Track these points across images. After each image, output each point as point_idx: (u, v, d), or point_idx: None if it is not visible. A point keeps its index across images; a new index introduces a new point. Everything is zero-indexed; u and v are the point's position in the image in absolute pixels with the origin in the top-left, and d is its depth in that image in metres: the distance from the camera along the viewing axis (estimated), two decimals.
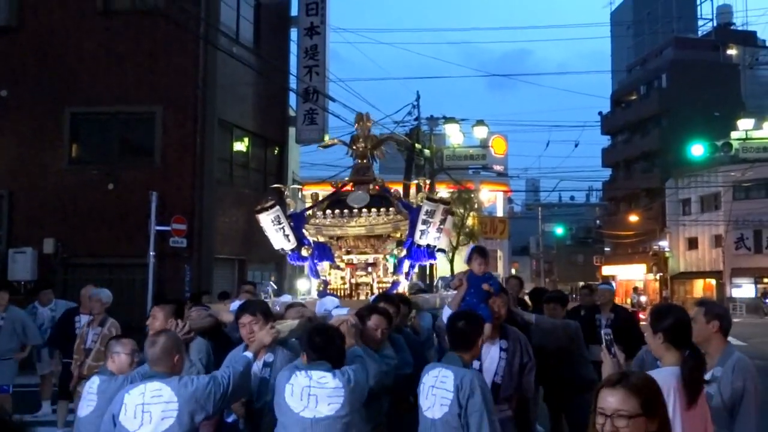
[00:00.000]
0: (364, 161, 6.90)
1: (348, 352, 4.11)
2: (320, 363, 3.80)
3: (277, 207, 6.61)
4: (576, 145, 32.55)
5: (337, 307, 5.42)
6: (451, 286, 5.65)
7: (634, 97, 53.09)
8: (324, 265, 6.72)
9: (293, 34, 18.88)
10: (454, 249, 31.60)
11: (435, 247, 6.49)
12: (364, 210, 6.54)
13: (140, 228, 14.61)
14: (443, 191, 30.96)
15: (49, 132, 15.58)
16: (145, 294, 13.94)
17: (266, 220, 6.59)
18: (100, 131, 15.76)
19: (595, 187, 62.72)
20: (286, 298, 6.44)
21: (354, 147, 6.97)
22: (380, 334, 4.51)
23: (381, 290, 6.35)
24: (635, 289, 42.29)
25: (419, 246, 6.45)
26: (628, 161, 52.07)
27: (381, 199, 6.68)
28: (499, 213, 42.70)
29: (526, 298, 8.76)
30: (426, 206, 6.38)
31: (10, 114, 15.64)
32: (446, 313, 5.17)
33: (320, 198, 7.20)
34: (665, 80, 48.74)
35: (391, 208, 6.54)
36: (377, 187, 6.84)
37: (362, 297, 6.38)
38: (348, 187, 7.03)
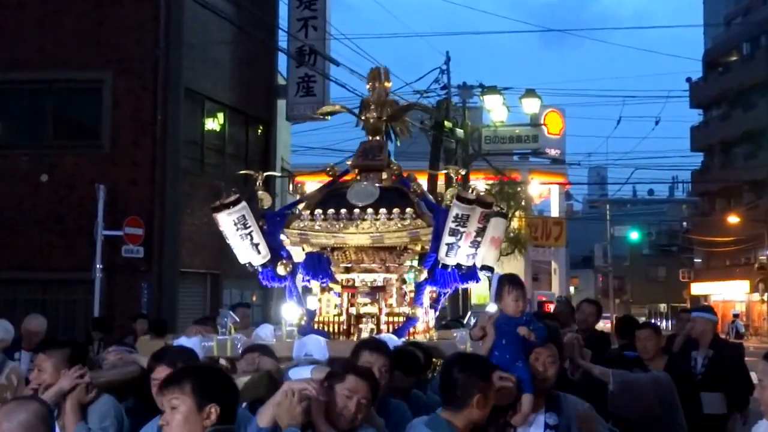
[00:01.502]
0: (377, 138, 6.37)
1: None
2: None
3: (243, 204, 6.02)
4: (657, 123, 32.30)
5: (304, 363, 4.86)
6: (471, 336, 5.07)
7: (734, 59, 52.90)
8: (316, 286, 6.22)
9: None
10: (495, 260, 31.64)
11: (468, 267, 5.96)
12: (370, 210, 5.94)
13: (83, 233, 14.76)
14: (480, 183, 31.10)
15: None
16: (89, 320, 14.04)
17: (227, 221, 6.02)
18: (30, 105, 15.98)
19: (682, 177, 62.50)
20: (265, 332, 6.11)
21: (363, 117, 6.45)
22: (354, 407, 3.92)
23: (391, 326, 5.88)
24: (735, 316, 42.08)
25: (446, 266, 5.89)
26: (726, 144, 51.88)
27: (396, 195, 6.08)
28: (554, 212, 42.75)
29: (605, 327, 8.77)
30: (456, 209, 5.77)
31: None
32: None
33: (309, 192, 6.87)
34: None
35: (408, 209, 5.91)
36: (393, 177, 6.27)
37: (365, 334, 5.85)
38: (351, 177, 6.51)
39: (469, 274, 6.00)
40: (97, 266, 14.28)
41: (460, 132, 21.90)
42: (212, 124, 17.71)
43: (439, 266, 5.87)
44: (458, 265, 5.88)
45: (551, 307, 32.67)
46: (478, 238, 5.90)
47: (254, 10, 17.20)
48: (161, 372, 4.07)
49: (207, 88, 17.04)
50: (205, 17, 15.95)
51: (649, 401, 5.81)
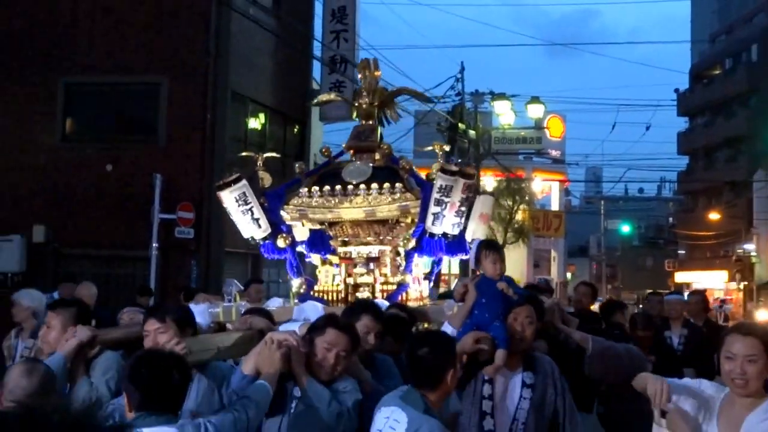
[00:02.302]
0: (369, 122, 6.22)
1: (239, 378, 3.58)
2: (151, 415, 3.02)
3: (244, 182, 5.86)
4: (647, 129, 32.20)
5: (298, 321, 4.75)
6: (454, 296, 4.95)
7: (717, 72, 52.41)
8: (316, 259, 6.14)
9: None
10: (501, 247, 31.67)
11: (455, 237, 5.72)
12: (363, 187, 5.81)
13: (142, 216, 14.95)
14: (489, 179, 31.15)
15: (41, 104, 16.02)
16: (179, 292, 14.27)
17: (229, 198, 5.85)
18: (97, 104, 16.17)
19: (669, 178, 62.16)
20: (275, 302, 5.99)
21: (356, 104, 6.29)
22: (333, 359, 3.74)
23: (386, 293, 5.74)
24: (723, 301, 41.73)
25: (432, 235, 5.65)
26: (709, 148, 51.46)
27: (387, 173, 5.93)
28: (554, 206, 42.62)
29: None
30: (440, 180, 5.51)
31: None
32: (447, 332, 4.49)
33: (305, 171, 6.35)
34: (755, 52, 48.08)
35: (398, 184, 5.76)
36: (384, 157, 6.12)
37: None
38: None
39: (456, 244, 5.78)
40: (154, 245, 14.52)
41: (472, 133, 22.00)
42: (254, 123, 17.86)
43: (427, 235, 5.68)
44: (444, 234, 5.66)
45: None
46: (462, 208, 5.65)
47: (293, 22, 17.38)
48: (151, 325, 4.03)
49: (250, 91, 17.18)
50: (250, 29, 16.12)
51: (623, 369, 5.44)
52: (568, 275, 47.73)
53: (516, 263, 35.12)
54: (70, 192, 15.69)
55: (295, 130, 19.32)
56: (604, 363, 5.43)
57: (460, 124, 21.19)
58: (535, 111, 24.09)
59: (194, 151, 15.59)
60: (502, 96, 23.11)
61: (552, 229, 39.66)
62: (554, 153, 37.11)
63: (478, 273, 4.77)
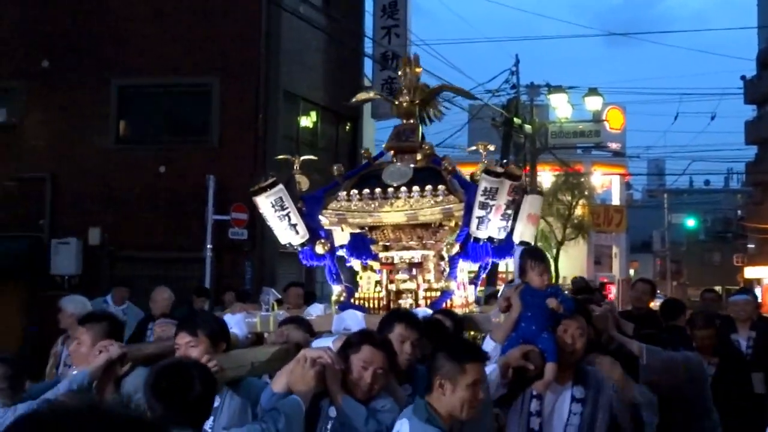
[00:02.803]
0: (410, 121, 6.07)
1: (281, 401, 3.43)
2: (173, 429, 2.88)
3: (280, 186, 5.69)
4: (712, 118, 31.43)
5: (335, 334, 4.56)
6: (499, 308, 4.77)
7: None
8: (357, 265, 5.93)
9: None
10: (560, 244, 31.36)
11: (501, 242, 5.53)
12: (404, 189, 5.65)
13: (195, 217, 15.20)
14: (546, 174, 30.84)
15: (95, 107, 16.38)
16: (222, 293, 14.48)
17: (265, 204, 5.69)
18: (150, 106, 16.53)
19: (736, 169, 60.63)
20: (316, 309, 5.88)
21: (396, 102, 6.14)
22: (370, 378, 3.62)
23: (429, 300, 5.56)
24: None
25: (477, 240, 5.47)
26: None
27: (429, 174, 5.78)
28: (615, 201, 42.04)
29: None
30: (484, 182, 5.32)
31: (53, 87, 16.52)
32: (487, 347, 4.34)
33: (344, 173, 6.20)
34: None
35: (440, 186, 5.60)
36: (426, 157, 5.97)
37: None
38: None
39: (503, 248, 5.60)
40: (208, 246, 14.70)
41: (528, 128, 21.80)
42: (306, 121, 17.99)
43: (471, 240, 5.49)
44: (490, 239, 5.49)
45: (612, 288, 32.21)
46: (509, 211, 5.48)
47: (343, 19, 17.46)
48: (183, 338, 3.93)
49: (302, 89, 17.32)
50: (300, 27, 16.24)
51: (680, 379, 5.39)
52: (631, 272, 47.01)
53: (576, 260, 34.75)
54: (125, 194, 16.02)
55: (347, 128, 19.39)
56: (659, 375, 5.24)
57: (515, 119, 20.97)
58: (594, 103, 23.74)
59: (247, 152, 15.76)
60: (558, 89, 22.81)
61: (613, 224, 39.15)
62: (614, 146, 36.55)
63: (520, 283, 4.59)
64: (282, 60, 16.26)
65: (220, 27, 15.96)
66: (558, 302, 4.23)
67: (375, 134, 22.28)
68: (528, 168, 22.19)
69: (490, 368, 3.97)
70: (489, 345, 4.35)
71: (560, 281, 30.29)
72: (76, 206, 16.19)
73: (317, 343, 4.23)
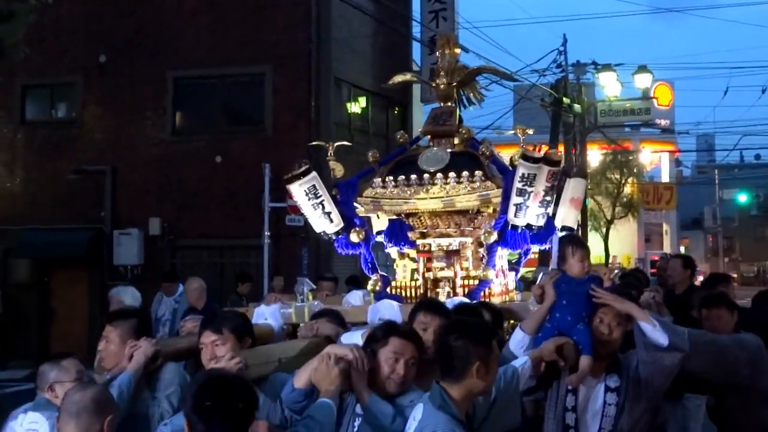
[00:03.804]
0: (448, 104, 5.88)
1: (314, 406, 3.32)
2: None
3: (314, 174, 5.58)
4: (763, 91, 30.83)
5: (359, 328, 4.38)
6: (533, 295, 4.59)
7: None
8: (394, 252, 5.78)
9: None
10: (609, 223, 31.23)
11: (540, 228, 5.35)
12: (440, 175, 5.50)
13: (252, 205, 15.52)
14: (595, 153, 30.68)
15: (151, 100, 16.87)
16: (261, 280, 14.85)
17: (299, 191, 5.59)
18: (204, 98, 16.87)
19: None
20: (355, 297, 5.78)
21: (434, 84, 5.98)
22: (403, 369, 3.50)
23: (467, 289, 5.40)
24: None
25: (515, 227, 5.29)
26: None
27: (466, 159, 5.60)
28: (665, 178, 41.60)
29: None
30: (522, 168, 5.16)
31: (109, 81, 17.02)
32: (515, 338, 4.20)
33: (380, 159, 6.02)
34: None
35: (477, 172, 5.41)
36: (463, 141, 5.78)
37: (442, 298, 5.28)
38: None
39: (543, 234, 5.37)
40: (266, 233, 14.92)
41: (577, 107, 21.75)
42: (357, 108, 18.21)
43: (509, 227, 5.31)
44: (529, 226, 5.30)
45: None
46: (548, 198, 5.28)
47: (391, 5, 17.59)
48: (208, 337, 3.85)
49: (352, 76, 17.52)
50: (349, 14, 16.43)
51: (730, 364, 5.00)
52: (682, 249, 46.61)
53: (626, 238, 34.55)
54: (182, 185, 16.46)
55: (397, 112, 19.56)
56: (705, 359, 4.91)
57: (564, 99, 20.94)
58: (643, 81, 23.56)
59: (300, 139, 15.95)
60: (607, 67, 22.68)
61: (663, 201, 38.75)
62: (663, 122, 36.13)
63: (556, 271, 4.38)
64: (332, 47, 16.51)
65: (270, 16, 16.25)
66: (615, 297, 4.03)
67: (424, 119, 22.46)
68: (575, 149, 22.19)
69: (522, 360, 3.91)
70: (517, 336, 4.19)
71: (610, 260, 30.26)
72: (135, 197, 16.67)
73: (346, 337, 4.07)
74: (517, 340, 4.14)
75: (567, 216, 5.70)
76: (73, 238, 16.47)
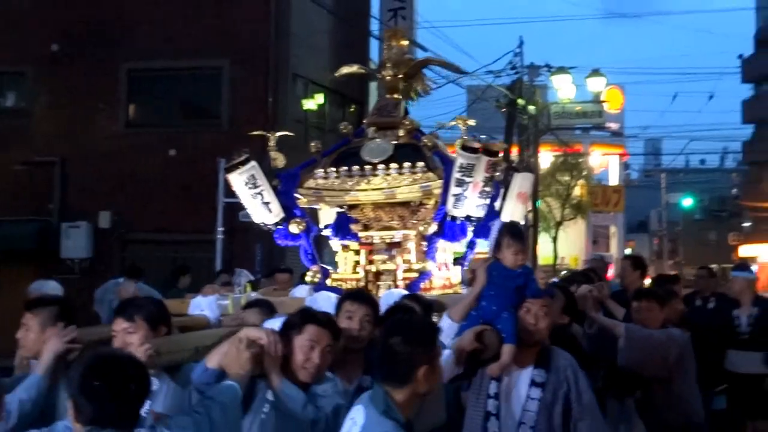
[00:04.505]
0: (394, 96, 5.86)
1: (215, 388, 3.20)
2: (103, 429, 2.63)
3: (253, 163, 5.57)
4: (710, 98, 31.51)
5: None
6: (464, 277, 4.71)
7: None
8: (336, 245, 5.76)
9: None
10: (558, 224, 31.69)
11: (480, 219, 5.29)
12: (382, 166, 5.50)
13: (206, 200, 15.33)
14: (546, 155, 31.08)
15: (104, 91, 16.55)
16: (213, 275, 14.74)
17: (238, 181, 5.58)
18: (160, 90, 16.75)
19: (733, 148, 61.11)
20: (301, 290, 5.69)
21: (380, 76, 5.98)
22: (319, 358, 3.42)
23: (407, 281, 5.39)
24: None
25: (454, 218, 5.26)
26: None
27: (409, 151, 5.61)
28: (613, 181, 42.33)
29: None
30: (461, 159, 5.13)
31: (62, 71, 16.68)
32: (443, 324, 4.11)
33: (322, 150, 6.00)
34: None
35: (419, 163, 5.42)
36: (408, 133, 5.77)
37: (383, 291, 5.33)
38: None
39: (485, 227, 5.22)
40: (219, 229, 14.88)
41: (532, 109, 22.04)
42: (314, 104, 18.16)
43: (449, 219, 5.29)
44: (468, 217, 5.26)
45: (611, 268, 32.55)
46: (486, 188, 5.25)
47: (350, 1, 17.63)
48: (120, 324, 3.76)
49: (310, 72, 17.46)
50: (309, 10, 16.42)
51: (659, 359, 5.23)
52: (628, 251, 47.46)
53: (574, 240, 35.11)
54: (135, 178, 16.20)
55: (352, 109, 19.57)
56: (641, 354, 5.15)
57: (519, 100, 21.21)
58: (596, 84, 23.99)
59: (256, 135, 15.92)
60: (561, 70, 23.04)
61: (611, 204, 39.38)
62: (613, 126, 36.81)
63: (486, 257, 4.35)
64: (291, 43, 16.48)
65: (229, 9, 16.11)
66: (523, 282, 4.03)
67: None
68: (529, 149, 22.47)
69: (444, 354, 3.74)
70: (445, 323, 4.13)
71: (558, 261, 30.71)
72: (85, 190, 16.39)
73: (268, 324, 3.91)
74: (445, 327, 4.06)
75: (514, 211, 5.73)
76: (20, 230, 16.15)
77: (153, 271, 14.39)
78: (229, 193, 14.90)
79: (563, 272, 7.34)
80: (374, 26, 19.16)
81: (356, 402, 3.13)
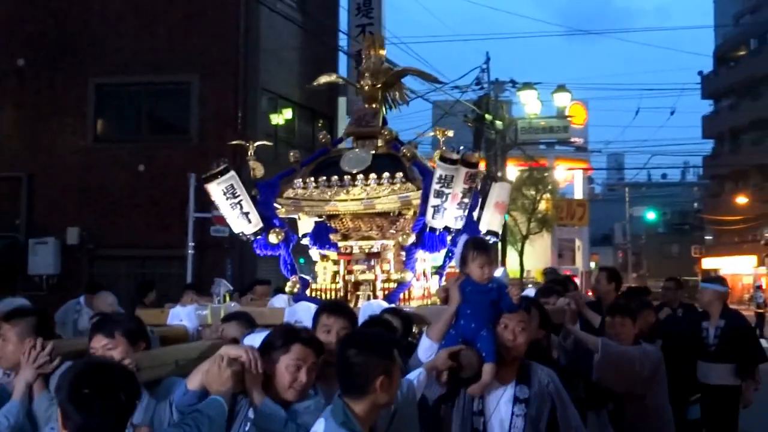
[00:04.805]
0: (373, 105, 5.86)
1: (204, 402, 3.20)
2: None
3: (232, 173, 5.52)
4: (672, 113, 32.12)
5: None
6: (438, 297, 4.59)
7: (742, 53, 52.46)
8: (315, 255, 5.79)
9: None
10: (524, 238, 31.99)
11: (458, 230, 5.35)
12: (361, 176, 5.53)
13: (176, 215, 15.34)
14: (512, 169, 31.43)
15: (72, 106, 16.46)
16: (182, 291, 14.69)
17: (217, 191, 5.53)
18: (128, 105, 16.70)
19: (694, 163, 62.27)
20: (279, 300, 5.66)
21: (359, 85, 5.93)
22: (306, 377, 3.41)
23: (386, 291, 5.43)
24: (757, 287, 41.84)
25: (434, 230, 5.29)
26: (735, 131, 51.55)
27: (388, 161, 5.62)
28: (578, 195, 42.85)
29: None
30: (440, 170, 5.17)
31: (28, 86, 16.57)
32: (423, 346, 4.11)
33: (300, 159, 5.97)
34: None
35: (398, 174, 5.44)
36: (387, 143, 5.77)
37: (362, 301, 5.36)
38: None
39: (454, 240, 5.33)
40: (190, 244, 14.83)
41: (499, 124, 22.30)
42: (283, 119, 18.22)
43: (428, 229, 5.31)
44: (447, 228, 5.30)
45: (576, 280, 33.05)
46: (465, 200, 5.29)
47: (319, 16, 17.74)
48: (99, 341, 3.74)
49: (279, 87, 17.51)
50: (278, 24, 16.48)
51: (631, 375, 5.31)
52: (592, 264, 47.98)
53: (540, 254, 35.41)
54: (104, 193, 16.12)
55: (320, 124, 19.66)
56: (615, 370, 5.23)
57: (487, 115, 21.46)
58: (562, 100, 24.38)
59: (226, 150, 15.87)
60: (528, 85, 23.37)
61: (576, 218, 39.91)
62: (577, 141, 37.35)
63: (460, 274, 4.31)
64: (260, 58, 16.48)
65: (198, 25, 16.14)
66: (498, 297, 4.01)
67: None
68: (496, 164, 22.71)
69: (416, 372, 3.82)
70: (425, 344, 4.10)
71: (525, 274, 30.98)
72: (53, 205, 16.25)
73: (249, 339, 3.87)
74: (425, 347, 4.08)
75: (492, 220, 5.81)
76: None
77: (122, 287, 14.36)
78: (200, 207, 15.14)
79: (530, 285, 7.37)
80: (343, 41, 19.26)
81: (321, 415, 3.13)
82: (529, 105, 23.88)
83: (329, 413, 3.05)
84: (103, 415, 2.58)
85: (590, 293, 8.13)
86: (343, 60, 19.45)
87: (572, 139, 34.41)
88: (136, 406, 2.79)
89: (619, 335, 5.48)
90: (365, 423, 3.05)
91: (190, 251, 14.90)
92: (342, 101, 19.66)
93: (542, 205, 33.67)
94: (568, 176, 41.25)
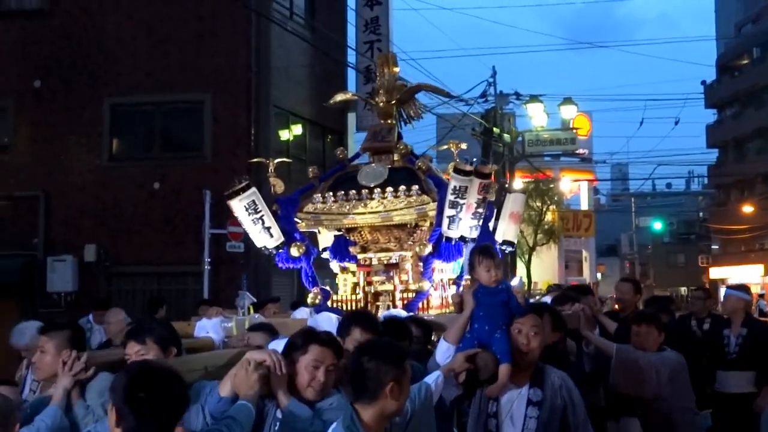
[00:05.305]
0: (388, 121, 6.11)
1: (233, 407, 3.37)
2: None
3: (253, 189, 5.78)
4: (676, 123, 32.27)
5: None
6: (453, 304, 4.92)
7: (745, 62, 52.65)
8: (336, 267, 6.01)
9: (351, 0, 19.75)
10: (531, 250, 32.13)
11: (475, 240, 5.46)
12: (378, 190, 5.72)
13: (191, 231, 15.62)
14: (517, 181, 31.63)
15: (87, 125, 16.74)
16: (197, 306, 14.87)
17: (239, 207, 5.76)
18: (142, 123, 16.95)
19: (699, 172, 62.36)
20: (301, 313, 5.88)
21: (374, 102, 6.21)
22: (324, 376, 3.56)
23: (405, 301, 5.63)
24: (761, 296, 41.94)
25: (449, 240, 5.47)
26: (739, 140, 51.66)
27: (404, 174, 5.83)
28: (584, 206, 42.92)
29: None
30: (454, 181, 5.35)
31: (44, 106, 16.86)
32: (440, 349, 4.30)
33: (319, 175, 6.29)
34: None
35: (414, 186, 5.65)
36: (402, 157, 5.99)
37: (382, 311, 5.54)
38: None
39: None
40: (206, 260, 15.00)
41: (506, 137, 22.52)
42: (295, 135, 18.46)
43: (444, 240, 5.50)
44: (462, 238, 5.47)
45: None
46: (480, 210, 5.46)
47: (328, 33, 18.01)
48: (132, 348, 3.91)
49: (290, 103, 17.77)
50: (288, 43, 16.79)
51: (651, 382, 5.36)
52: (599, 275, 48.03)
53: (547, 265, 35.50)
54: (120, 211, 16.39)
55: (329, 139, 19.90)
56: (630, 375, 5.32)
57: (494, 128, 21.70)
58: (568, 112, 24.57)
59: (240, 166, 16.10)
60: (534, 98, 23.57)
61: (582, 229, 39.95)
62: (582, 152, 37.52)
63: (471, 281, 4.57)
64: (271, 75, 16.78)
65: (210, 43, 16.45)
66: (508, 301, 4.22)
67: (358, 147, 22.81)
68: (508, 175, 22.93)
69: (434, 375, 3.95)
70: (442, 347, 4.27)
71: (531, 286, 31.10)
72: (70, 224, 16.51)
73: (272, 345, 4.05)
74: (442, 350, 4.25)
75: (507, 230, 6.00)
76: (4, 264, 16.15)
77: (139, 303, 14.59)
78: (215, 224, 15.37)
79: (537, 296, 7.53)
80: (351, 57, 19.54)
81: (336, 408, 3.37)
82: (535, 117, 24.07)
83: (340, 420, 3.19)
84: (155, 418, 2.75)
85: (616, 306, 8.25)
86: (351, 75, 19.74)
87: (579, 151, 34.62)
88: (185, 410, 2.96)
89: (644, 344, 5.58)
90: (373, 430, 3.17)
91: (206, 267, 15.07)
92: (351, 117, 19.91)
93: (548, 217, 33.77)
94: (574, 187, 41.34)
